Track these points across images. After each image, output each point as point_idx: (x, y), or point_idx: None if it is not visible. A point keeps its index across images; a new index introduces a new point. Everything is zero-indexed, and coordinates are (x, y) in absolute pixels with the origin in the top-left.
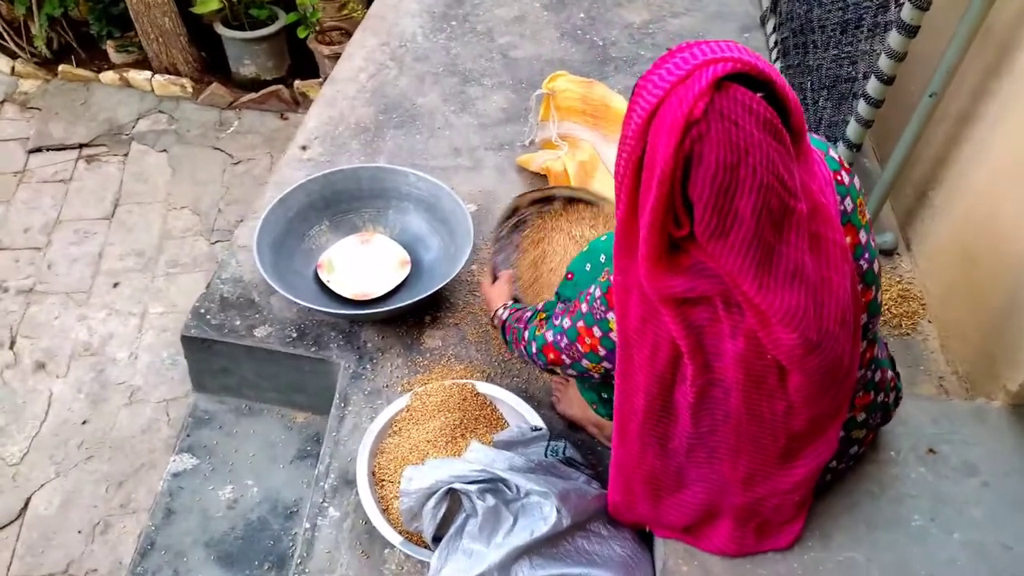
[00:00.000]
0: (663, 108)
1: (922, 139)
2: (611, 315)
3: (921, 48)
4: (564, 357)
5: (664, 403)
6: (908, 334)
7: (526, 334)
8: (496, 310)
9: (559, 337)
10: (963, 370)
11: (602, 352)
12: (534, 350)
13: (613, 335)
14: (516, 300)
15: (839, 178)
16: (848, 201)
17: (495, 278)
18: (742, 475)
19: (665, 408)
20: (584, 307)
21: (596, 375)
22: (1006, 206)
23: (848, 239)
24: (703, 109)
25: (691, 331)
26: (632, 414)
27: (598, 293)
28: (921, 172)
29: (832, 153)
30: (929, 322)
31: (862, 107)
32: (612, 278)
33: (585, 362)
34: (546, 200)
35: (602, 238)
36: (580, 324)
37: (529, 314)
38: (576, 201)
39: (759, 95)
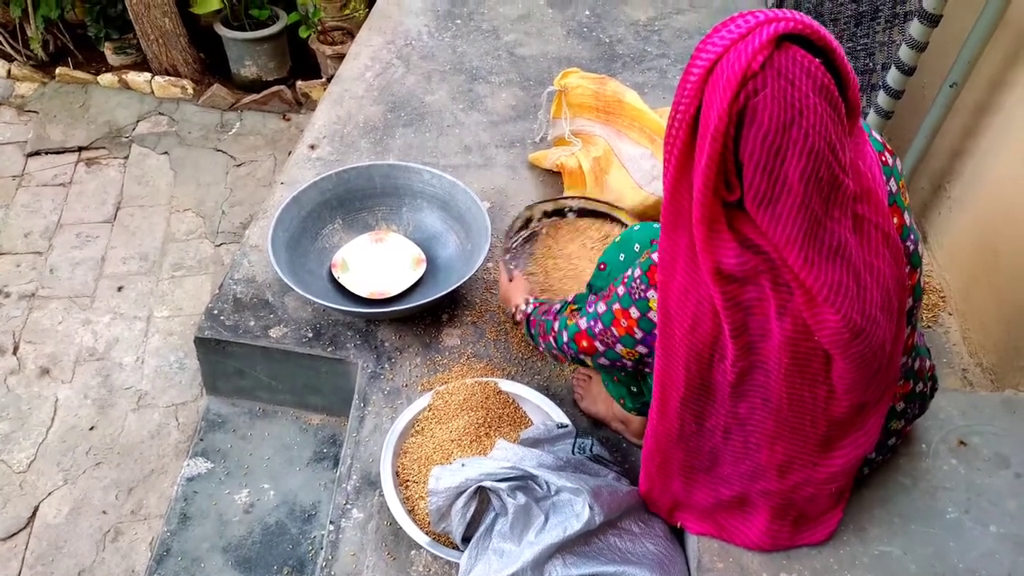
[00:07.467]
0: (721, 63)
1: (938, 131)
2: (651, 293)
3: (932, 38)
4: (598, 344)
5: (702, 381)
6: (929, 327)
7: (556, 325)
8: (517, 305)
9: (593, 323)
10: (988, 362)
11: (638, 334)
12: (565, 339)
13: (652, 315)
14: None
15: (883, 159)
16: (893, 183)
17: (511, 278)
18: (778, 461)
19: (703, 386)
20: (621, 289)
21: (629, 361)
22: None
23: (895, 220)
24: (761, 63)
25: (738, 311)
26: (673, 388)
27: (638, 272)
28: (937, 164)
29: (875, 135)
30: (950, 314)
31: (882, 98)
32: (655, 255)
33: (619, 347)
34: (559, 212)
35: (635, 227)
36: (616, 307)
37: (558, 306)
38: (588, 213)
39: (818, 60)
